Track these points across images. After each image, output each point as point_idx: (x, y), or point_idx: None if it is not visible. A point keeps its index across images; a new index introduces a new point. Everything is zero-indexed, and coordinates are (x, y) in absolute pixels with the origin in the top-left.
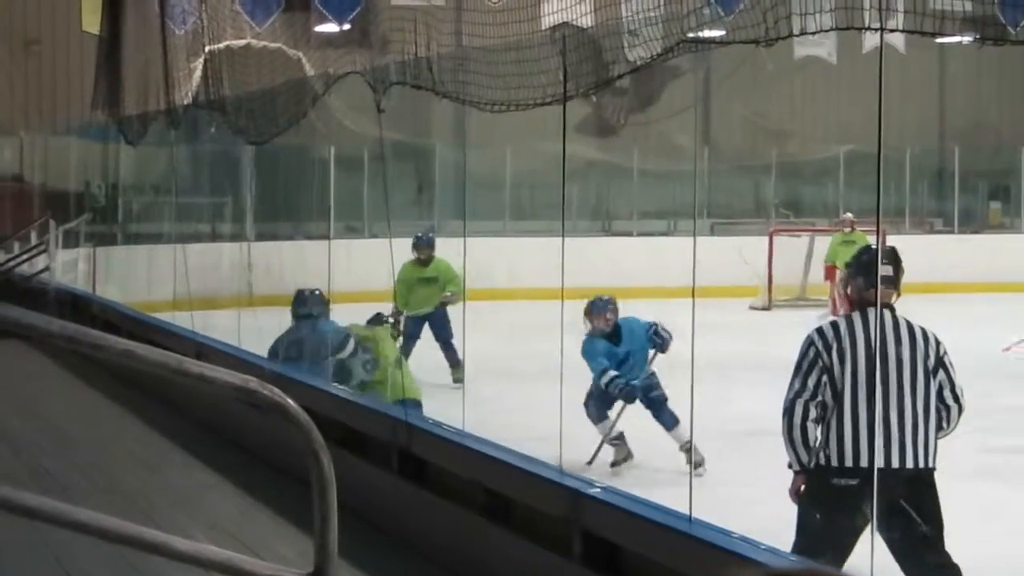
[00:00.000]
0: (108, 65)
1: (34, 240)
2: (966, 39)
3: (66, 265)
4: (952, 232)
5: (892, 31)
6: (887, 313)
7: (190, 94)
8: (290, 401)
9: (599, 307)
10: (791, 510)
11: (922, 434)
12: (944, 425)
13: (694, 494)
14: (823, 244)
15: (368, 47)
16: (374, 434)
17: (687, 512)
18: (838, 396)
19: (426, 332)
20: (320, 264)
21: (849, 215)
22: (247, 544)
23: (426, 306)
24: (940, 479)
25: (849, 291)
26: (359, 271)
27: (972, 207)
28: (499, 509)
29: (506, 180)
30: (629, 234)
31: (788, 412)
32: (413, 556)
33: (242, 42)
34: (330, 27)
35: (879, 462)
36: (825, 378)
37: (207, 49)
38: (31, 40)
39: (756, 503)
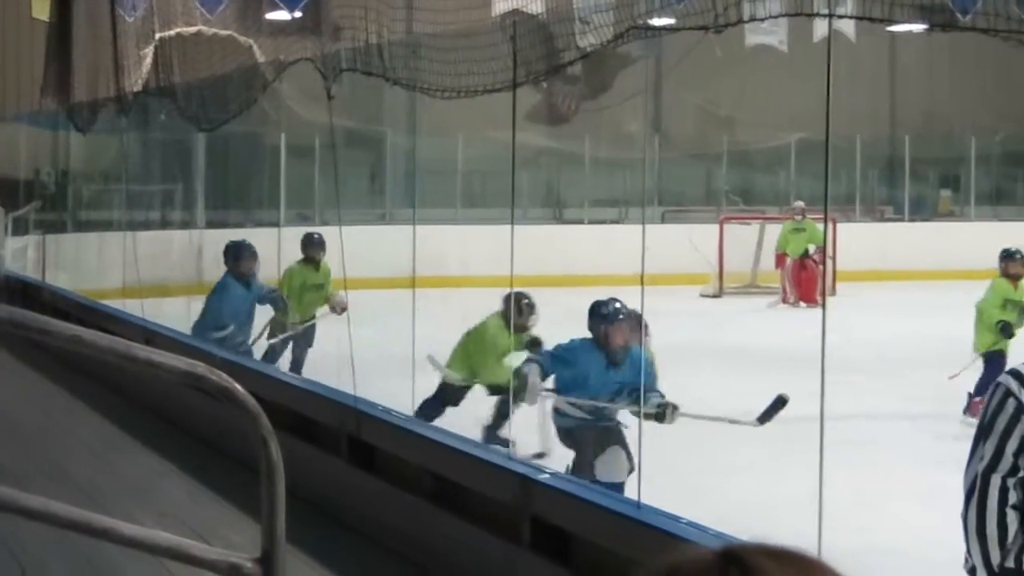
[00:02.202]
0: (58, 52)
1: None
2: (917, 27)
3: (16, 253)
4: (902, 220)
5: (841, 17)
6: None
7: (140, 81)
8: (238, 386)
9: (624, 317)
10: (739, 494)
11: None
12: None
13: (643, 481)
14: (774, 232)
15: (319, 34)
16: (324, 420)
17: (636, 499)
18: None
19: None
20: (271, 252)
21: (800, 203)
22: (196, 530)
23: (307, 316)
24: (894, 466)
25: None
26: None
27: (923, 195)
28: (448, 495)
29: (458, 167)
30: (580, 222)
31: (977, 492)
32: (362, 542)
33: (193, 29)
34: (281, 14)
35: None
36: None
37: (157, 36)
38: None
39: (706, 490)
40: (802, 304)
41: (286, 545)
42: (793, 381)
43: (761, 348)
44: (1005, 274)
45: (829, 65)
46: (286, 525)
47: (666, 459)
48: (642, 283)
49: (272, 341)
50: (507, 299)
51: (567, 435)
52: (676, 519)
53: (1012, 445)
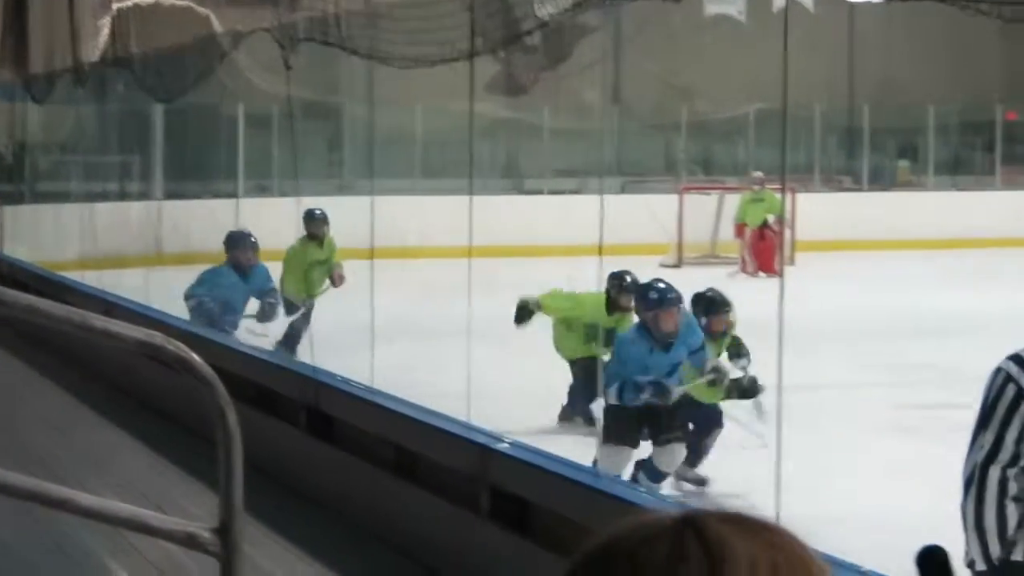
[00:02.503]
0: (14, 23)
1: None
2: None
3: None
4: (861, 190)
5: None
6: None
7: (98, 52)
8: (195, 356)
9: (670, 300)
10: (701, 466)
11: None
12: None
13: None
14: (733, 202)
15: (277, 4)
16: (283, 391)
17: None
18: None
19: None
20: (228, 222)
21: (759, 173)
22: (154, 501)
23: (314, 293)
24: (852, 436)
25: None
26: (268, 229)
27: (881, 165)
28: (407, 465)
29: (416, 138)
30: (539, 192)
31: (975, 483)
32: (321, 512)
33: None
34: None
35: None
36: None
37: (115, 6)
38: None
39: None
40: (761, 274)
41: (244, 515)
42: (752, 350)
43: None
44: None
45: (787, 35)
46: (244, 495)
47: None
48: (600, 253)
49: (292, 318)
50: (610, 278)
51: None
52: (634, 487)
53: (1012, 433)
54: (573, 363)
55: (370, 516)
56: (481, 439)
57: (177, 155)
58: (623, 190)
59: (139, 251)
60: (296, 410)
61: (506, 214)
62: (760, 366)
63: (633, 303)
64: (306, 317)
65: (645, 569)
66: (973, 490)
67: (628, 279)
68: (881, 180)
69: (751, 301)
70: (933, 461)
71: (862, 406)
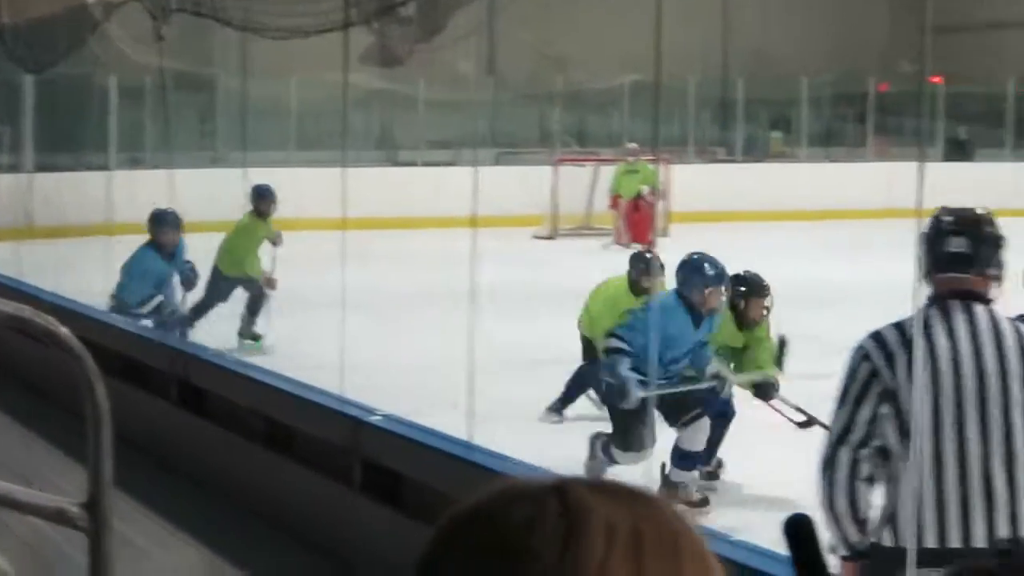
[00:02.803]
0: None
1: None
2: None
3: None
4: (735, 161)
5: None
6: (980, 309)
7: None
8: (63, 329)
9: (726, 279)
10: (566, 436)
11: None
12: None
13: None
14: (608, 174)
15: None
16: (153, 364)
17: (466, 439)
18: (907, 437)
19: None
20: (100, 195)
21: (634, 145)
22: (23, 476)
23: (257, 271)
24: (741, 407)
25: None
26: (142, 202)
27: (755, 136)
28: (280, 438)
29: (291, 109)
30: (414, 164)
31: (827, 465)
32: (193, 486)
33: None
34: None
35: (978, 539)
36: (886, 409)
37: None
38: None
39: (537, 433)
40: (635, 245)
41: (114, 490)
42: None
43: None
44: None
45: (660, 6)
46: (114, 470)
47: (502, 398)
48: (474, 225)
49: (249, 296)
50: (632, 259)
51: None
52: (507, 459)
53: (864, 413)
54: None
55: (242, 489)
56: (354, 412)
57: (48, 127)
58: (497, 161)
59: (9, 224)
60: (167, 383)
61: (380, 185)
62: None
63: (656, 284)
64: (262, 293)
65: (504, 530)
66: (825, 474)
67: (652, 259)
68: (754, 151)
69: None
70: (805, 432)
71: None
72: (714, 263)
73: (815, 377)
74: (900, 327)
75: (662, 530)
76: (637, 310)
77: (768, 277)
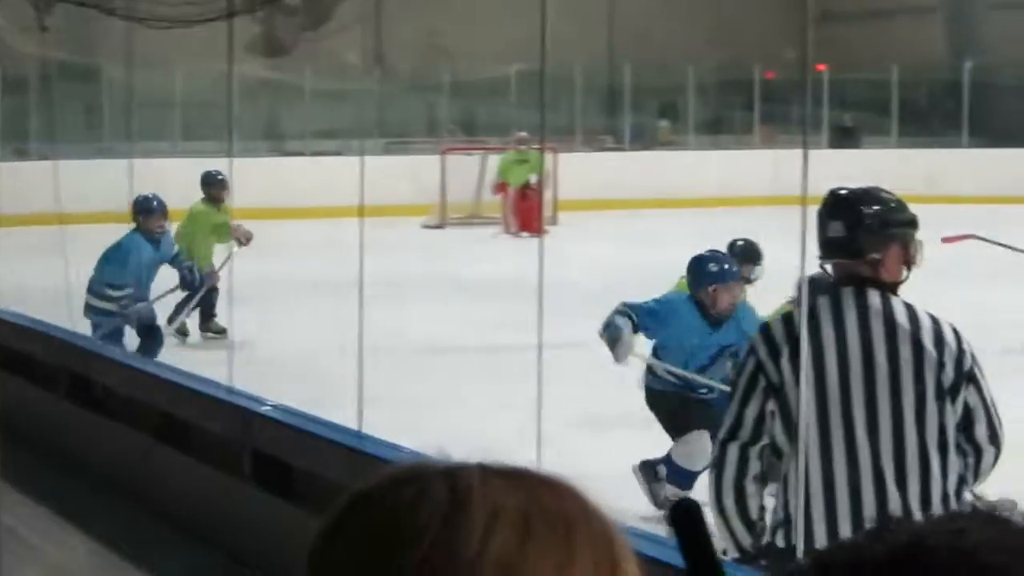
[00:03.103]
0: None
1: None
2: None
3: None
4: (623, 149)
5: None
6: (874, 295)
7: None
8: None
9: (737, 276)
10: (461, 422)
11: (937, 490)
12: (969, 476)
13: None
14: (496, 163)
15: None
16: (43, 358)
17: (356, 428)
18: (795, 435)
19: None
20: None
21: (523, 134)
22: None
23: (209, 259)
24: (615, 392)
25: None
26: (28, 194)
27: (642, 124)
28: (171, 430)
29: (176, 100)
30: (301, 154)
31: (715, 464)
32: (84, 479)
33: None
34: None
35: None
36: (773, 406)
37: None
38: None
39: (433, 420)
40: (524, 234)
41: (3, 484)
42: (515, 310)
43: (483, 278)
44: None
45: None
46: (4, 464)
47: (392, 387)
48: (362, 215)
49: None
50: (730, 247)
51: (655, 400)
52: (398, 448)
53: (752, 410)
54: None
55: (133, 482)
56: (243, 403)
57: None
58: (385, 151)
59: None
60: (57, 376)
61: (267, 176)
62: (525, 326)
63: (756, 273)
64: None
65: (391, 510)
66: (713, 474)
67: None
68: (642, 139)
69: (514, 261)
70: None
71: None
72: (720, 260)
73: None
74: (788, 319)
75: (554, 515)
76: (661, 298)
77: (656, 264)
